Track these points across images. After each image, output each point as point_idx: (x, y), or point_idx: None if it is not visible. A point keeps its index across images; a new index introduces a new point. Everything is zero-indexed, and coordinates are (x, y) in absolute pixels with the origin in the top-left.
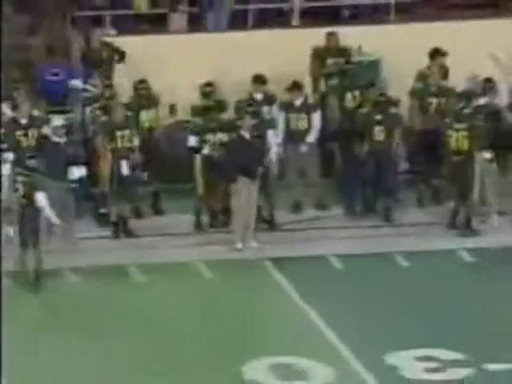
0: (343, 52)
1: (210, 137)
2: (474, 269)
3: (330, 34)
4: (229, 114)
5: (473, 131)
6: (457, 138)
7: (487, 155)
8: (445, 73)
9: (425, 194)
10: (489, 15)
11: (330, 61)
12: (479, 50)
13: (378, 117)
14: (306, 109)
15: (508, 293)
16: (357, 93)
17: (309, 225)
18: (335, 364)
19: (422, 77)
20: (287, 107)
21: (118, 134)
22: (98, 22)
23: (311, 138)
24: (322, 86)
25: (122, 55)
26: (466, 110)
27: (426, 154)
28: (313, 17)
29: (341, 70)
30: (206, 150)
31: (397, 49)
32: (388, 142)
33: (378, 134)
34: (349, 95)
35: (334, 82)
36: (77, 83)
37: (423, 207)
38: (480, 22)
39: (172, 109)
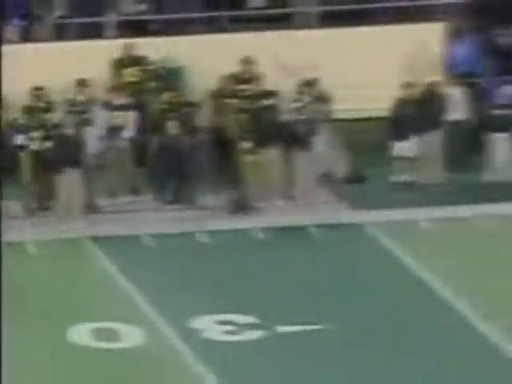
0: (138, 61)
1: (35, 134)
2: (265, 244)
3: (126, 45)
4: (56, 114)
5: (239, 127)
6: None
7: (246, 145)
8: (256, 78)
9: (218, 182)
10: (280, 27)
11: (126, 69)
12: (270, 57)
13: (171, 114)
14: (124, 107)
15: (294, 264)
16: (167, 94)
17: (124, 208)
18: (146, 327)
19: (222, 81)
20: (108, 106)
21: None
22: None
23: (128, 133)
24: (138, 88)
25: None
26: (250, 106)
27: (220, 148)
28: (128, 29)
29: (155, 75)
30: (32, 146)
31: (200, 57)
32: (180, 136)
33: (171, 128)
34: (161, 96)
35: (152, 84)
36: None
37: (220, 193)
38: (274, 33)
39: (5, 110)
